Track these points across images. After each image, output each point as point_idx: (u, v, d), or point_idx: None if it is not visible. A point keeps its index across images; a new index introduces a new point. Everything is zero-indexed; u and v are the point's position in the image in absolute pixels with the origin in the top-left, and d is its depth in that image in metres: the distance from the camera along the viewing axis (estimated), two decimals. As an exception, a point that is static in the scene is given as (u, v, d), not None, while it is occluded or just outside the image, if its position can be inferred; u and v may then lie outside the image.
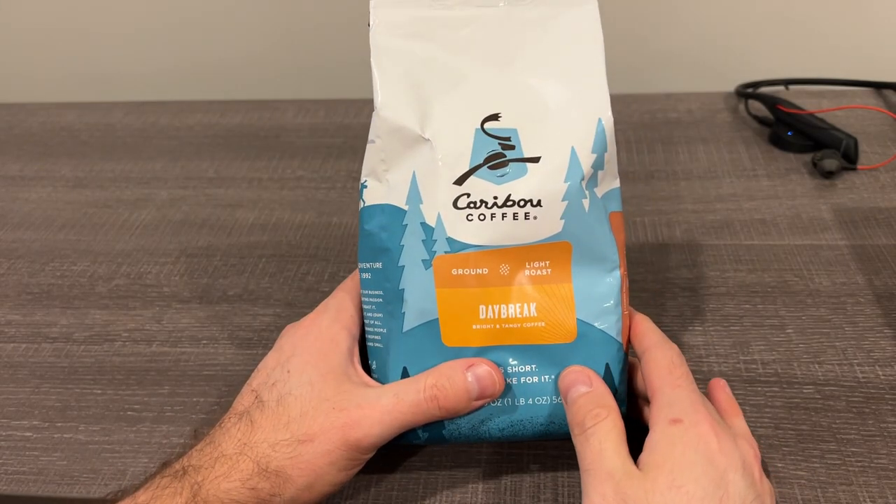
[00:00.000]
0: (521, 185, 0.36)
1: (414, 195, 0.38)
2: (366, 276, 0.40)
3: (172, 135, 0.76)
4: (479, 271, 0.37)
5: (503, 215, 0.36)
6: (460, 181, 0.37)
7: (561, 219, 0.37)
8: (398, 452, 0.42)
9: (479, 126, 0.38)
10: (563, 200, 0.36)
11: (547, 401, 0.38)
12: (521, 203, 0.36)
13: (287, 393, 0.37)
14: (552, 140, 0.37)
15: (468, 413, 0.37)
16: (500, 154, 0.37)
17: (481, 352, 0.37)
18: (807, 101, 0.70)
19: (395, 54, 0.39)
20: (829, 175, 0.62)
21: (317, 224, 0.61)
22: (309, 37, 0.84)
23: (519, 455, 0.41)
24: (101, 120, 0.79)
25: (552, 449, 0.41)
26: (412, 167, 0.38)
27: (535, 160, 0.37)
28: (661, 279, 0.52)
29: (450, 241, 0.37)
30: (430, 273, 0.37)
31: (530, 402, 0.38)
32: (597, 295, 0.38)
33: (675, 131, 0.70)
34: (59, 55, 0.89)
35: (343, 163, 0.69)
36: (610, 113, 0.38)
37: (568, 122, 0.38)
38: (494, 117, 0.38)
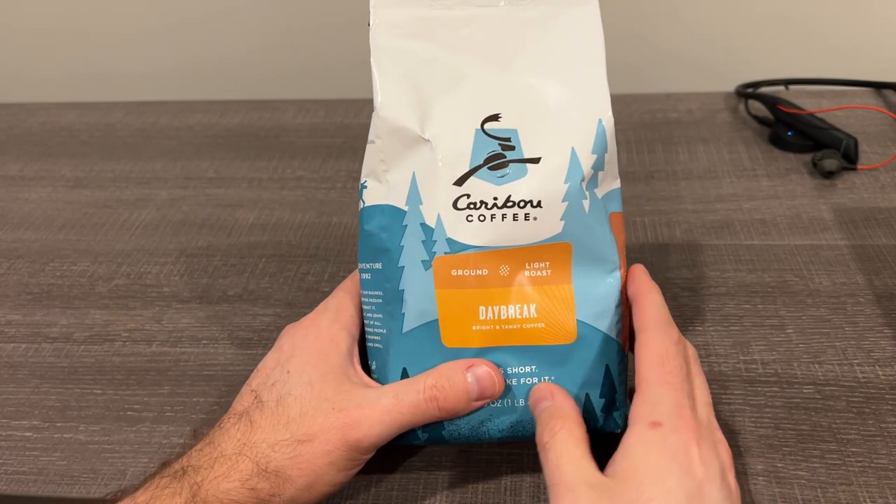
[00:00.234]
0: (522, 186, 0.36)
1: (414, 196, 0.37)
2: (366, 276, 0.40)
3: (172, 135, 0.76)
4: (479, 272, 0.37)
5: (503, 216, 0.36)
6: (460, 182, 0.37)
7: (561, 220, 0.36)
8: (398, 452, 0.42)
9: (479, 126, 0.38)
10: (563, 201, 0.36)
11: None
12: (521, 204, 0.36)
13: (287, 393, 0.37)
14: (552, 141, 0.37)
15: (468, 414, 0.37)
16: (500, 155, 0.37)
17: (481, 353, 0.37)
18: (807, 101, 0.70)
19: (395, 54, 0.39)
20: (829, 175, 0.62)
21: (317, 224, 0.61)
22: (309, 37, 0.84)
23: (519, 455, 0.41)
24: (101, 120, 0.79)
25: (552, 449, 0.41)
26: (412, 168, 0.38)
27: (536, 161, 0.37)
28: (661, 279, 0.52)
29: (450, 241, 0.37)
30: (429, 274, 0.37)
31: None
32: (597, 296, 0.38)
33: (675, 131, 0.70)
34: (59, 55, 0.89)
35: (343, 163, 0.69)
36: (610, 113, 0.38)
37: (568, 123, 0.38)
38: (494, 118, 0.38)
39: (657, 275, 0.53)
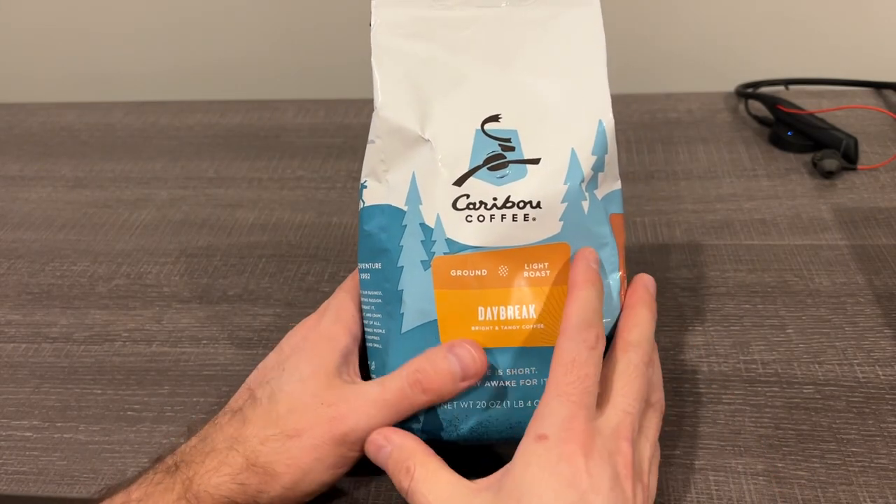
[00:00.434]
0: (521, 187, 0.36)
1: (413, 196, 0.37)
2: (365, 276, 0.40)
3: (172, 135, 0.76)
4: (479, 272, 0.37)
5: (502, 217, 0.36)
6: (460, 182, 0.37)
7: (560, 220, 0.36)
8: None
9: (479, 127, 0.37)
10: (562, 202, 0.36)
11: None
12: (521, 204, 0.36)
13: (279, 389, 0.37)
14: (552, 141, 0.37)
15: (464, 404, 0.37)
16: (499, 155, 0.37)
17: None
18: (807, 101, 0.70)
19: (395, 54, 0.39)
20: (829, 175, 0.62)
21: (317, 224, 0.61)
22: (309, 37, 0.84)
23: (519, 455, 0.41)
24: (101, 120, 0.79)
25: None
26: (412, 168, 0.38)
27: (535, 161, 0.37)
28: (661, 279, 0.52)
29: (449, 242, 0.36)
30: (428, 274, 0.37)
31: (529, 404, 0.37)
32: None
33: (675, 131, 0.70)
34: (59, 55, 0.89)
35: (343, 163, 0.69)
36: (611, 114, 0.38)
37: (568, 124, 0.38)
38: (494, 118, 0.38)
39: (657, 275, 0.53)
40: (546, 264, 0.37)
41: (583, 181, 0.37)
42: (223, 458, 0.35)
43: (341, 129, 0.75)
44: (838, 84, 0.74)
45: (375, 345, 0.40)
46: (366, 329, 0.41)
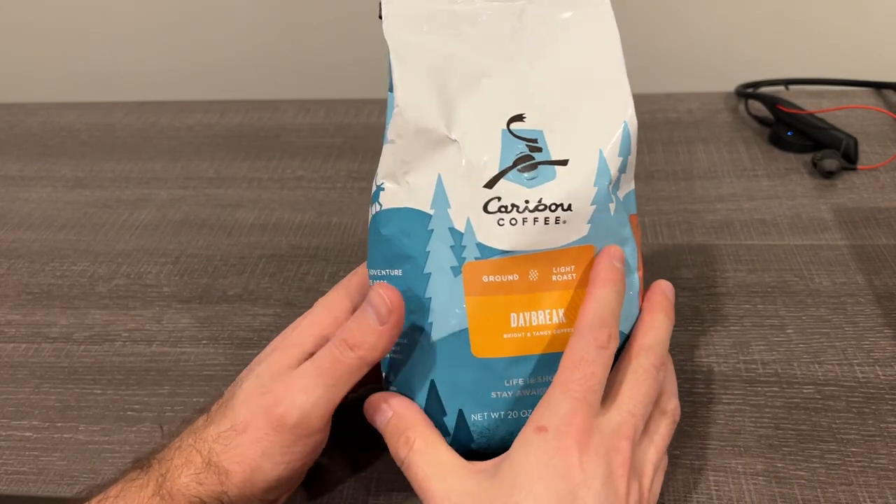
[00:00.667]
0: (552, 189, 0.35)
1: (440, 199, 0.35)
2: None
3: (172, 135, 0.76)
4: (510, 277, 0.35)
5: (535, 220, 0.35)
6: (490, 184, 0.35)
7: (588, 223, 0.36)
8: (398, 452, 0.42)
9: (505, 127, 0.36)
10: (591, 204, 0.35)
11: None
12: (553, 207, 0.35)
13: (239, 387, 0.37)
14: (579, 142, 0.36)
15: (488, 406, 0.36)
16: (528, 156, 0.36)
17: (512, 362, 0.36)
18: (807, 101, 0.70)
19: (415, 50, 0.37)
20: (829, 175, 0.62)
21: (317, 224, 0.61)
22: (309, 37, 0.84)
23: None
24: (101, 120, 0.79)
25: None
26: (437, 169, 0.36)
27: (564, 163, 0.36)
28: (661, 279, 0.52)
29: (480, 246, 0.35)
30: (459, 280, 0.35)
31: None
32: None
33: (675, 131, 0.70)
34: (59, 55, 0.89)
35: (343, 163, 0.69)
36: (634, 115, 0.37)
37: (593, 124, 0.37)
38: (519, 118, 0.36)
39: (657, 275, 0.53)
40: (573, 267, 0.36)
41: (610, 183, 0.36)
42: (187, 456, 0.35)
43: (341, 129, 0.75)
44: (838, 84, 0.74)
45: (395, 355, 0.38)
46: None
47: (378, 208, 0.38)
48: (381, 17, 0.37)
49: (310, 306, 0.42)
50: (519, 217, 0.35)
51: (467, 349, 0.36)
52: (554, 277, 0.36)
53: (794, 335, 0.48)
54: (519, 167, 0.35)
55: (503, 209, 0.35)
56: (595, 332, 0.34)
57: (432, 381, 0.36)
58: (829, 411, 0.43)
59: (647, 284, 0.45)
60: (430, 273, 0.36)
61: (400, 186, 0.37)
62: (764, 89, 0.73)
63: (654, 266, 0.54)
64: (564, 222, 0.35)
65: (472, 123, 0.36)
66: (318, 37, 0.84)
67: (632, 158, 0.38)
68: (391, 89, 0.37)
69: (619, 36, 0.39)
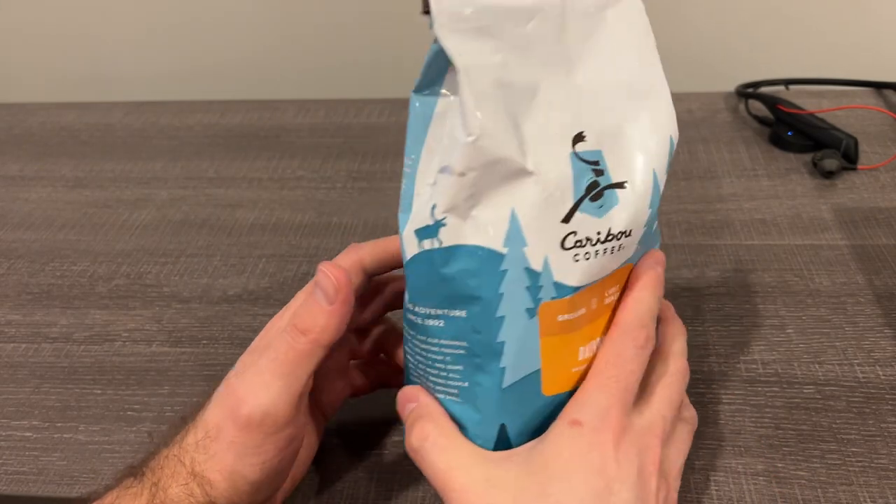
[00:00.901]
0: (617, 216, 0.33)
1: (515, 237, 0.32)
2: (435, 323, 0.34)
3: (172, 135, 0.76)
4: (580, 312, 0.33)
5: (604, 251, 0.33)
6: (567, 219, 0.32)
7: (637, 244, 0.34)
8: (397, 452, 0.42)
9: (572, 150, 0.32)
10: (644, 227, 0.34)
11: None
12: (619, 236, 0.33)
13: (215, 394, 0.36)
14: (633, 162, 0.33)
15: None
16: (595, 182, 0.32)
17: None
18: (807, 101, 0.70)
19: (478, 60, 0.30)
20: (829, 175, 0.62)
21: (317, 224, 0.61)
22: (309, 37, 0.84)
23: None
24: (101, 120, 0.79)
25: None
26: (510, 204, 0.31)
27: (622, 186, 0.33)
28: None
29: (557, 286, 0.32)
30: (534, 322, 0.32)
31: None
32: None
33: (676, 131, 0.70)
34: (59, 55, 0.89)
35: (343, 163, 0.69)
36: (677, 129, 0.35)
37: (644, 141, 0.34)
38: (581, 137, 0.32)
39: (657, 275, 0.53)
40: (617, 287, 0.35)
41: (658, 203, 0.34)
42: (174, 467, 0.34)
43: (341, 129, 0.75)
44: (838, 84, 0.74)
45: (451, 397, 0.34)
46: (425, 378, 0.35)
47: (437, 244, 0.33)
48: (426, 13, 0.30)
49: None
50: (592, 250, 0.32)
51: (538, 389, 0.34)
52: (605, 301, 0.34)
53: (794, 335, 0.48)
54: (590, 196, 0.32)
55: (578, 244, 0.32)
56: (634, 332, 0.34)
57: (503, 426, 0.34)
58: (829, 411, 0.43)
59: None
60: (504, 316, 0.32)
61: (465, 222, 0.32)
62: (764, 89, 0.73)
63: (655, 266, 0.54)
64: (623, 248, 0.33)
65: (541, 149, 0.31)
66: (318, 37, 0.84)
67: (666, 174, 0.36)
68: (423, 90, 0.32)
69: (653, 35, 0.36)
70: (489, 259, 0.32)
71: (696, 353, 0.47)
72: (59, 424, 0.45)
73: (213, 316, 0.53)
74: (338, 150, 0.71)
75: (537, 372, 0.33)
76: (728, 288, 0.52)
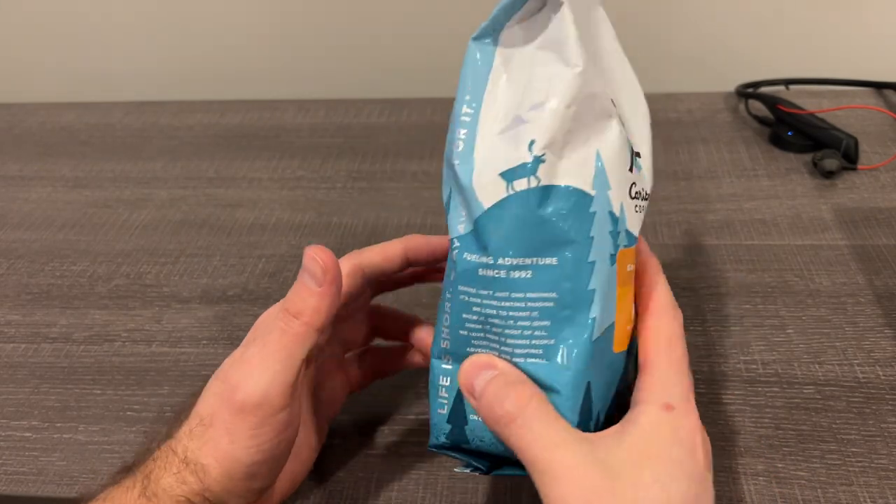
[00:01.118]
0: (645, 179, 0.35)
1: (601, 179, 0.31)
2: (521, 274, 0.31)
3: (172, 135, 0.76)
4: (634, 267, 0.34)
5: (643, 208, 0.34)
6: (632, 168, 0.33)
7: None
8: (397, 452, 0.42)
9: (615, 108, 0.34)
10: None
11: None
12: (646, 196, 0.35)
13: (207, 385, 0.36)
14: (641, 136, 0.36)
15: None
16: (630, 144, 0.34)
17: (625, 355, 0.34)
18: (807, 101, 0.70)
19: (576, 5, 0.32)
20: (829, 175, 0.62)
21: (317, 224, 0.61)
22: (309, 37, 0.84)
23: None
24: (101, 120, 0.79)
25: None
26: (596, 145, 0.32)
27: (639, 155, 0.35)
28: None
29: (628, 234, 0.33)
30: (614, 270, 0.32)
31: None
32: None
33: (675, 131, 0.70)
34: (59, 55, 0.89)
35: (343, 163, 0.69)
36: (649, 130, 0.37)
37: (641, 119, 0.36)
38: (613, 103, 0.34)
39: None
40: (635, 263, 0.35)
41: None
42: (166, 456, 0.34)
43: (341, 129, 0.75)
44: (838, 84, 0.74)
45: (532, 359, 0.32)
46: (502, 345, 0.32)
47: (535, 183, 0.31)
48: None
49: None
50: (642, 204, 0.34)
51: (611, 345, 0.33)
52: (629, 268, 0.34)
53: (794, 335, 0.48)
54: (633, 153, 0.34)
55: (637, 195, 0.33)
56: (674, 311, 0.34)
57: (588, 384, 0.32)
58: (829, 411, 0.43)
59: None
60: (595, 262, 0.31)
61: (560, 160, 0.31)
62: (764, 89, 0.73)
63: (655, 266, 0.54)
64: (644, 211, 0.35)
65: (617, 97, 0.34)
66: (318, 37, 0.84)
67: None
68: (484, 37, 0.33)
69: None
70: (580, 200, 0.31)
71: (697, 353, 0.47)
72: (58, 425, 0.45)
73: (213, 316, 0.53)
74: (338, 150, 0.71)
75: (612, 326, 0.32)
76: (728, 288, 0.52)
